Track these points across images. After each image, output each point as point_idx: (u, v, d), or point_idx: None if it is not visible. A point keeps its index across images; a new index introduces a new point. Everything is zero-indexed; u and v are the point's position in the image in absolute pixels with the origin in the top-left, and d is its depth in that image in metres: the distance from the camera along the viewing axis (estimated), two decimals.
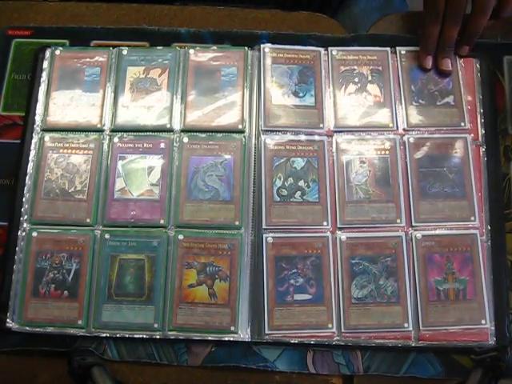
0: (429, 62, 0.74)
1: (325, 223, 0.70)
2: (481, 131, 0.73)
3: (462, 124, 0.73)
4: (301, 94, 0.74)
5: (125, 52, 0.76)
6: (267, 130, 0.73)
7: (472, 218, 0.69)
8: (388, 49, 0.76)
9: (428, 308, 0.67)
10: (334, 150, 0.72)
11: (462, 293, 0.67)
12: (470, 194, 0.70)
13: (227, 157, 0.71)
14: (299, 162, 0.72)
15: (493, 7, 0.71)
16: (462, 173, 0.71)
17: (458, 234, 0.69)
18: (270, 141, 0.72)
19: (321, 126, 0.73)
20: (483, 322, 0.66)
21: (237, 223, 0.69)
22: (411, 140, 0.72)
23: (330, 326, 0.66)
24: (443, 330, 0.66)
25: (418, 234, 0.69)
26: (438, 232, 0.69)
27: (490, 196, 0.71)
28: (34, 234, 0.69)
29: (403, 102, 0.74)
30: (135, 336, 0.67)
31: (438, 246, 0.69)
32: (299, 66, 0.75)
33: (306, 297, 0.67)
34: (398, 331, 0.66)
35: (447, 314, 0.67)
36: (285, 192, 0.70)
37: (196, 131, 0.73)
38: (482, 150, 0.72)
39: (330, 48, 0.76)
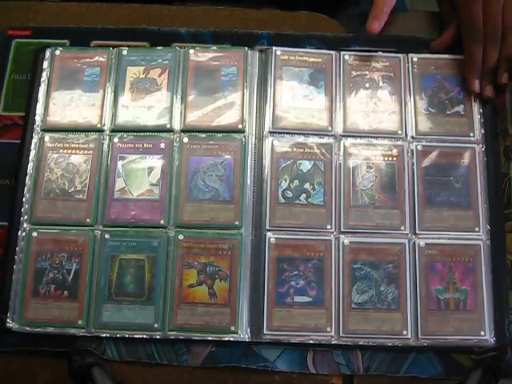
0: (478, 87, 0.73)
1: (328, 226, 0.69)
2: (480, 131, 0.73)
3: (471, 134, 0.72)
4: (311, 97, 0.74)
5: (125, 52, 0.76)
6: (275, 132, 0.72)
7: (476, 229, 0.69)
8: (401, 55, 0.76)
9: (427, 316, 0.67)
10: (341, 153, 0.72)
11: (463, 303, 0.67)
12: (476, 205, 0.70)
13: (227, 157, 0.71)
14: (306, 165, 0.71)
15: None
16: (468, 183, 0.71)
17: (462, 244, 0.69)
18: (278, 142, 0.72)
19: (329, 129, 0.73)
20: (482, 333, 0.66)
21: (237, 223, 0.69)
22: (419, 148, 0.72)
23: (328, 329, 0.66)
24: (442, 340, 0.66)
25: (422, 242, 0.69)
26: (441, 241, 0.69)
27: (489, 196, 0.70)
28: (34, 234, 0.69)
29: (413, 109, 0.74)
30: (135, 336, 0.67)
31: (441, 254, 0.69)
32: (310, 68, 0.75)
33: (306, 299, 0.67)
34: (397, 338, 0.66)
35: (447, 324, 0.67)
36: (290, 194, 0.70)
37: (196, 131, 0.73)
38: (482, 149, 0.72)
39: (342, 52, 0.76)
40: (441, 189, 0.70)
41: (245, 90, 0.74)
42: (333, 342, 0.66)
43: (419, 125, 0.73)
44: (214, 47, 0.77)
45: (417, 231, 0.69)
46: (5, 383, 0.68)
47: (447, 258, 0.68)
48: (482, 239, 0.69)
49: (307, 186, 0.71)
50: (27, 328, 0.67)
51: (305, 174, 0.71)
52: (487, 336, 0.66)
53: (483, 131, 0.73)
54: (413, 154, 0.72)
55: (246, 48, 0.76)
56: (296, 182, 0.71)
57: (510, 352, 0.66)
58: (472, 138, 0.72)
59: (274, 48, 0.76)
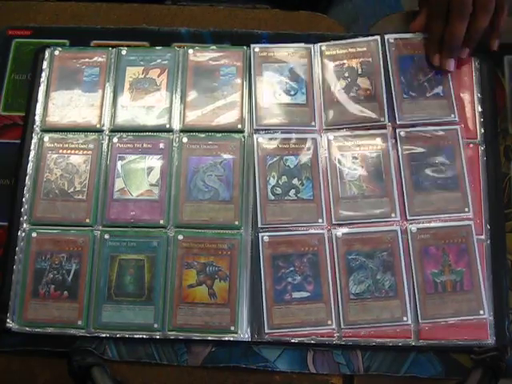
0: (437, 60, 0.73)
1: (320, 220, 0.69)
2: (480, 130, 0.72)
3: (452, 116, 0.72)
4: (292, 92, 0.74)
5: (124, 52, 0.76)
6: (259, 129, 0.73)
7: (466, 210, 0.69)
8: (377, 37, 0.75)
9: (426, 301, 0.67)
10: (325, 147, 0.72)
11: (459, 284, 0.67)
12: (463, 186, 0.70)
13: (226, 157, 0.71)
14: (292, 161, 0.71)
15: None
16: (454, 164, 0.71)
17: (453, 225, 0.69)
18: (263, 140, 0.72)
19: (312, 123, 0.73)
20: (481, 312, 0.66)
21: (236, 223, 0.69)
22: (402, 134, 0.72)
23: (329, 322, 0.66)
24: (442, 322, 0.66)
25: (413, 228, 0.69)
26: (432, 224, 0.69)
27: (489, 196, 0.70)
28: (34, 234, 0.69)
29: (394, 94, 0.73)
30: (135, 336, 0.67)
31: (434, 238, 0.69)
32: (290, 63, 0.75)
33: (304, 294, 0.67)
34: (398, 325, 0.66)
35: (445, 306, 0.67)
36: (279, 190, 0.70)
37: (195, 131, 0.73)
38: (482, 149, 0.72)
39: (319, 44, 0.76)
40: (427, 173, 0.71)
41: (244, 90, 0.74)
42: (335, 335, 0.66)
43: (401, 110, 0.73)
44: (213, 47, 0.76)
45: (407, 217, 0.69)
46: (5, 383, 0.68)
47: (440, 241, 0.69)
48: (472, 219, 0.69)
49: (295, 181, 0.71)
50: (27, 328, 0.67)
51: (292, 170, 0.71)
52: (486, 315, 0.66)
53: (483, 131, 0.72)
54: (397, 140, 0.72)
55: (245, 48, 0.76)
56: (284, 178, 0.71)
57: (510, 352, 0.66)
58: (453, 119, 0.72)
59: (252, 46, 0.76)
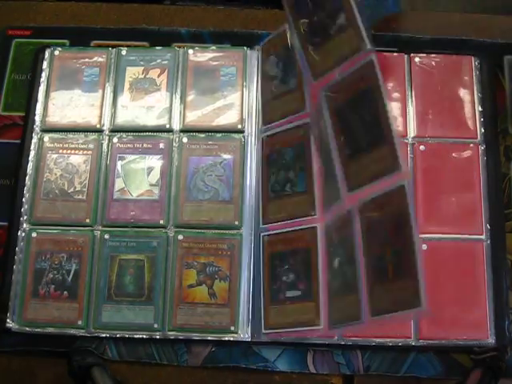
0: None
1: (312, 213, 0.65)
2: (480, 130, 0.72)
3: (362, 46, 0.56)
4: (287, 79, 0.71)
5: (124, 52, 0.76)
6: (266, 128, 0.72)
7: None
8: None
9: (373, 293, 0.53)
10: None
11: (398, 267, 0.51)
12: (389, 137, 0.53)
13: (226, 157, 0.71)
14: (289, 152, 0.69)
15: None
16: (375, 110, 0.54)
17: (389, 191, 0.53)
18: (267, 138, 0.71)
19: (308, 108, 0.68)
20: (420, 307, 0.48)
21: (236, 223, 0.69)
22: (329, 94, 0.60)
23: (316, 322, 0.63)
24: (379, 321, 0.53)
25: (357, 204, 0.56)
26: (369, 197, 0.55)
27: (489, 196, 0.70)
28: (34, 234, 0.69)
29: (301, 50, 0.62)
30: (135, 336, 0.67)
31: (372, 211, 0.55)
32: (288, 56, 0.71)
33: (296, 293, 0.65)
34: (355, 323, 0.55)
35: (389, 298, 0.51)
36: (277, 187, 0.68)
37: (195, 131, 0.73)
38: (482, 149, 0.71)
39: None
40: (353, 132, 0.57)
41: (244, 90, 0.74)
42: (327, 340, 0.65)
43: (312, 64, 0.61)
44: (214, 47, 0.77)
45: (347, 193, 0.58)
46: (5, 383, 0.68)
47: (377, 213, 0.54)
48: (405, 176, 0.52)
49: (291, 174, 0.68)
50: (27, 328, 0.67)
51: (288, 163, 0.68)
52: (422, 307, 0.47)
53: (483, 131, 0.72)
54: (323, 106, 0.61)
55: (245, 48, 0.76)
56: (282, 173, 0.68)
57: (510, 352, 0.66)
58: (365, 51, 0.56)
59: (261, 44, 0.75)
